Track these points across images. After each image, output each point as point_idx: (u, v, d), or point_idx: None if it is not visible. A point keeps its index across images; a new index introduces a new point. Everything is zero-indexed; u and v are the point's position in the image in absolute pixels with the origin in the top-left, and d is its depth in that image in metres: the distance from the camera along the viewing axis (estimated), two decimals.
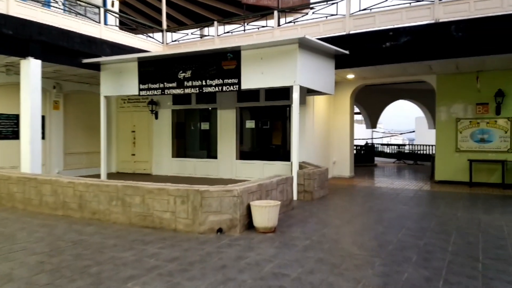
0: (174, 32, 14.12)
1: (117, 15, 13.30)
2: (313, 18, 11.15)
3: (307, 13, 12.09)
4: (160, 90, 10.11)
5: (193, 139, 13.73)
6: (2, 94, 11.23)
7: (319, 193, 8.81)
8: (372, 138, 28.97)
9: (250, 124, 12.25)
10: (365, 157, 18.66)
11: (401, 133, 36.66)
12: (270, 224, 5.69)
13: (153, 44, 13.07)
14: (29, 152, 9.23)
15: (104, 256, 4.66)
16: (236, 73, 9.04)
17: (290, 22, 11.51)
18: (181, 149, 13.57)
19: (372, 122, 20.71)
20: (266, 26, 11.98)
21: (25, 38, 9.06)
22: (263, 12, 12.52)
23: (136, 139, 14.18)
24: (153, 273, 4.08)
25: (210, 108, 12.88)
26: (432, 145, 19.87)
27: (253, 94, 11.57)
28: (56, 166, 12.65)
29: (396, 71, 11.23)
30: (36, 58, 9.33)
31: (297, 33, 10.51)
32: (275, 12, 11.41)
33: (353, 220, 6.68)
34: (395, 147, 23.74)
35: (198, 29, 14.48)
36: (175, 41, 13.61)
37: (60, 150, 12.84)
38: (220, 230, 5.60)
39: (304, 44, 8.52)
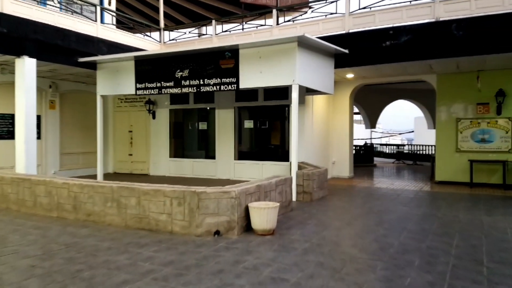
0: (172, 31, 13.99)
1: (114, 14, 13.15)
2: (312, 17, 11.03)
3: (306, 12, 11.98)
4: (157, 90, 9.97)
5: (191, 139, 13.60)
6: None
7: (319, 194, 8.69)
8: (371, 138, 28.89)
9: (248, 124, 12.12)
10: (364, 157, 18.54)
11: (400, 133, 36.57)
12: (268, 226, 5.56)
13: (151, 43, 12.92)
14: (24, 152, 9.07)
15: (97, 259, 4.52)
16: (234, 72, 8.91)
17: (289, 20, 11.38)
18: (178, 149, 13.43)
19: (371, 122, 20.60)
20: (265, 25, 11.85)
21: (20, 36, 8.91)
22: (262, 11, 12.39)
23: (133, 139, 14.04)
24: (147, 277, 3.94)
25: (208, 108, 12.75)
26: (431, 145, 19.80)
27: (252, 93, 11.44)
28: (52, 167, 12.50)
29: (396, 71, 11.11)
30: (31, 57, 9.17)
31: (296, 32, 10.38)
32: (274, 11, 11.28)
33: (353, 222, 6.55)
34: (394, 147, 23.63)
35: (196, 28, 14.33)
36: (172, 40, 13.47)
37: (56, 150, 12.68)
38: (217, 233, 5.47)
39: (303, 43, 8.39)
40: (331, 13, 10.38)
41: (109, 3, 13.50)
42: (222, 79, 9.06)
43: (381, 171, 15.85)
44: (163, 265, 4.31)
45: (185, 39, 13.32)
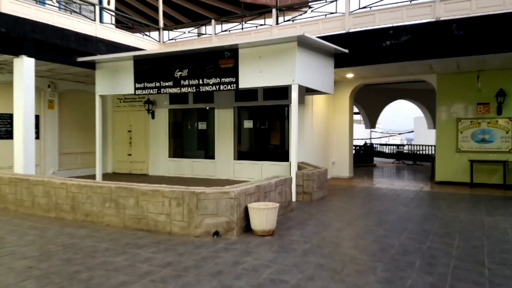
0: (171, 30, 13.94)
1: (113, 13, 13.10)
2: (312, 17, 10.98)
3: (305, 12, 11.94)
4: (156, 89, 9.92)
5: (190, 139, 13.55)
6: None
7: (318, 194, 8.65)
8: (370, 138, 28.85)
9: (248, 124, 12.07)
10: (364, 157, 18.50)
11: (400, 133, 36.53)
12: (268, 227, 5.52)
13: (150, 43, 12.88)
14: (23, 152, 9.04)
15: (95, 260, 4.48)
16: (233, 72, 8.87)
17: (288, 20, 11.34)
18: (178, 149, 13.38)
19: (371, 122, 20.56)
20: (264, 24, 11.80)
21: (18, 36, 8.87)
22: (261, 11, 12.35)
23: (133, 139, 13.99)
24: (145, 279, 3.90)
25: (207, 108, 12.70)
26: (431, 145, 19.77)
27: (251, 93, 11.40)
28: (51, 167, 12.45)
29: (396, 71, 11.07)
30: (29, 56, 9.14)
31: (295, 32, 10.34)
32: (274, 10, 11.23)
33: (354, 223, 6.51)
34: (394, 147, 23.59)
35: (196, 27, 14.28)
36: (172, 39, 13.42)
37: (55, 150, 12.63)
38: (216, 233, 5.42)
39: (303, 42, 8.35)
40: (331, 13, 10.35)
41: (108, 3, 13.45)
42: (222, 79, 9.02)
43: (381, 171, 15.81)
44: (162, 266, 4.27)
45: (184, 39, 13.27)
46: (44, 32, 9.37)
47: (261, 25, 11.89)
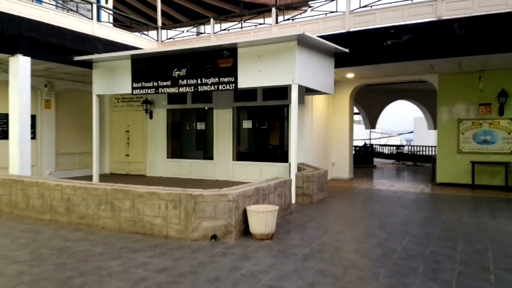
0: (169, 29, 13.79)
1: (111, 12, 12.96)
2: (312, 16, 10.86)
3: (305, 11, 11.81)
4: (154, 89, 9.78)
5: (189, 140, 13.42)
6: None
7: (318, 196, 8.52)
8: (370, 139, 28.71)
9: (247, 124, 11.94)
10: (364, 158, 18.38)
11: (399, 134, 36.39)
12: (267, 230, 5.38)
13: (148, 42, 12.74)
14: (18, 153, 8.88)
15: (89, 265, 4.34)
16: (232, 72, 8.73)
17: (288, 19, 11.22)
18: (176, 150, 13.25)
19: (371, 123, 20.44)
20: (264, 23, 11.68)
21: (13, 34, 8.72)
22: (261, 9, 12.22)
23: (130, 139, 13.84)
24: (140, 285, 3.76)
25: (206, 108, 12.56)
26: (431, 146, 19.66)
27: (250, 93, 11.26)
28: (48, 167, 12.30)
29: (397, 70, 10.95)
30: (25, 55, 8.99)
31: (295, 31, 10.17)
32: (273, 9, 11.09)
33: (355, 226, 6.38)
34: (394, 148, 23.46)
35: (194, 26, 14.14)
36: (170, 38, 13.28)
37: (51, 151, 12.48)
38: (214, 237, 5.29)
39: (303, 42, 8.22)
40: (331, 12, 10.22)
41: (106, 1, 13.31)
42: (220, 79, 8.88)
43: (381, 172, 15.69)
44: (157, 271, 4.13)
45: (182, 38, 13.13)
46: (40, 31, 9.22)
47: (261, 24, 11.76)
